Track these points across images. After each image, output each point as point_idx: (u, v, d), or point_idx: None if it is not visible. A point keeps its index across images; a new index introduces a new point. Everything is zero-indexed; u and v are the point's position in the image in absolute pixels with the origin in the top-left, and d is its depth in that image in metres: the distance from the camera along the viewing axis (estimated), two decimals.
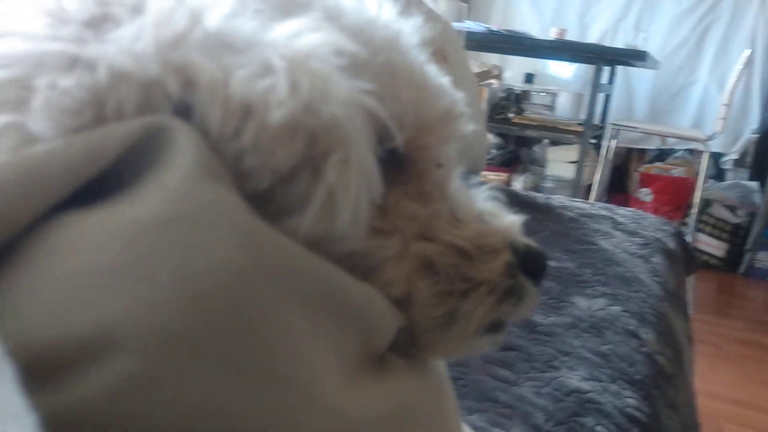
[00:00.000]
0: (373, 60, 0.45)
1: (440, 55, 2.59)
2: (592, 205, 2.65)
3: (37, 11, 0.36)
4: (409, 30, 0.51)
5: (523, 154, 5.81)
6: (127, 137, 0.34)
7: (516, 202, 2.35)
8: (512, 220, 0.54)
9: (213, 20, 0.38)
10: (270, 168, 0.38)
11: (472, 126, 0.56)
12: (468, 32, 4.59)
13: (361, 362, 0.39)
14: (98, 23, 0.36)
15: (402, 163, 0.50)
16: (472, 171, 2.89)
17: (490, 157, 5.40)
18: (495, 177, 5.22)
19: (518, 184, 5.28)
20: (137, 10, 0.37)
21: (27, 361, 0.26)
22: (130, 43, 0.36)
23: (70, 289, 0.29)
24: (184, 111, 0.37)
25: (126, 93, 0.36)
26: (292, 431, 0.31)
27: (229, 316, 0.31)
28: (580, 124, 4.73)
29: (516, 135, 5.33)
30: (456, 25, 4.65)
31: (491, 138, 5.43)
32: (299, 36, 0.40)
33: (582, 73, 5.73)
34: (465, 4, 5.20)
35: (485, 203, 0.55)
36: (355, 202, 0.41)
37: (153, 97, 0.36)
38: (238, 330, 0.31)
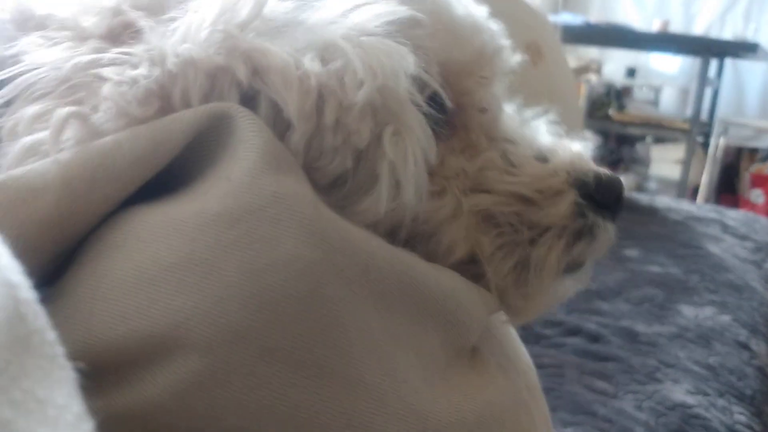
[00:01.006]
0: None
1: (534, 49, 2.52)
2: (700, 207, 2.53)
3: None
4: None
5: (624, 152, 5.61)
6: (193, 124, 0.33)
7: None
8: (577, 151, 0.51)
9: (270, 6, 0.38)
10: (352, 146, 0.37)
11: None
12: (564, 25, 4.48)
13: (447, 360, 0.37)
14: (118, 34, 0.36)
15: (443, 115, 0.47)
16: None
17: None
18: None
19: None
20: (155, 12, 0.37)
21: (90, 361, 0.25)
22: (194, 32, 0.36)
23: (135, 285, 0.28)
24: (251, 98, 0.37)
25: (192, 81, 0.35)
26: None
27: (298, 313, 0.29)
28: (685, 120, 4.53)
29: (617, 133, 5.16)
30: (551, 18, 4.55)
31: (590, 136, 5.28)
32: (350, 12, 0.39)
33: (687, 67, 5.49)
34: None
35: (545, 138, 0.52)
36: (416, 171, 0.40)
37: (220, 84, 0.36)
38: (309, 328, 0.29)
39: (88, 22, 0.36)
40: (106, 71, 0.34)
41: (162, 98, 0.35)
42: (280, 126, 0.36)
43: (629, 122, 4.76)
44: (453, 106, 0.47)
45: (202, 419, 0.27)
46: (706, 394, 1.10)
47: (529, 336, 1.26)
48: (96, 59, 0.34)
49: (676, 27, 5.27)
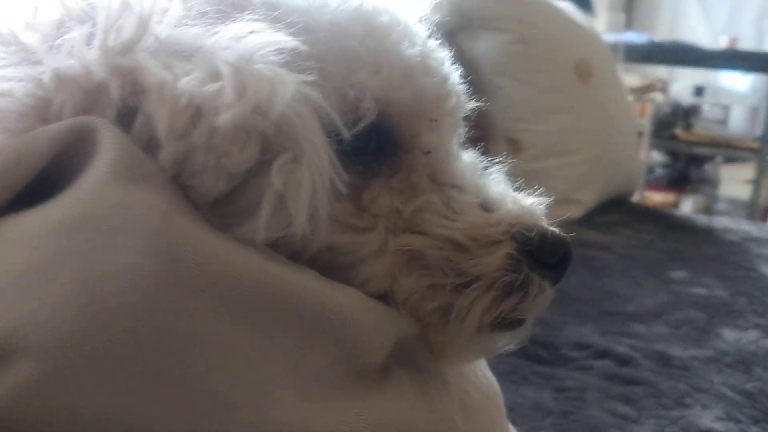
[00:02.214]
0: (317, 49, 0.44)
1: (584, 68, 2.49)
2: (761, 228, 2.42)
3: None
4: (391, 12, 0.48)
5: (692, 172, 5.44)
6: (57, 137, 0.34)
7: (669, 224, 2.20)
8: (529, 206, 0.50)
9: (162, 27, 0.39)
10: (224, 169, 0.37)
11: (471, 105, 0.52)
12: (628, 44, 4.40)
13: (341, 376, 0.37)
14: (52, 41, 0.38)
15: (384, 154, 0.47)
16: (625, 192, 2.74)
17: (655, 176, 5.11)
18: (661, 198, 4.93)
19: (687, 205, 4.95)
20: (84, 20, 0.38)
21: None
22: (78, 49, 0.37)
23: None
24: (130, 114, 0.37)
25: (68, 97, 0.36)
26: None
27: (133, 321, 0.30)
28: (756, 140, 4.37)
29: (684, 152, 5.01)
30: (614, 36, 4.47)
31: (656, 156, 5.15)
32: (242, 38, 0.40)
33: (759, 85, 5.30)
34: (623, 15, 4.99)
35: (498, 188, 0.51)
36: (310, 202, 0.40)
37: (98, 101, 0.37)
38: (145, 336, 0.30)
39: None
40: None
41: (39, 113, 0.36)
42: (154, 142, 0.37)
43: (697, 142, 4.62)
44: (393, 145, 0.47)
45: (39, 424, 0.27)
46: (738, 421, 1.05)
47: (555, 358, 1.23)
48: None
49: (747, 44, 5.10)
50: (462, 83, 0.56)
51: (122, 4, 0.39)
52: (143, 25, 0.38)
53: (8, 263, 0.30)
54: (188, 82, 0.36)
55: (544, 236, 0.48)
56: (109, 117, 0.36)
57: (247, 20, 0.41)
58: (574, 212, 2.38)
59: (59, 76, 0.36)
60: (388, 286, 0.45)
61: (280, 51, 0.40)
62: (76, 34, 0.38)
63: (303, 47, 0.41)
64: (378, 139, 0.48)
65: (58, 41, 0.38)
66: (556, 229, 0.49)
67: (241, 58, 0.38)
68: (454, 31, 2.45)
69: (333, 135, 0.43)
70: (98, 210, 0.31)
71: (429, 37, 0.53)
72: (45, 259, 0.30)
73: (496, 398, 0.56)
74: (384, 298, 0.45)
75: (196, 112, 0.36)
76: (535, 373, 1.17)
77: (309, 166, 0.39)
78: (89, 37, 0.38)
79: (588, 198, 2.43)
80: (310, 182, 0.39)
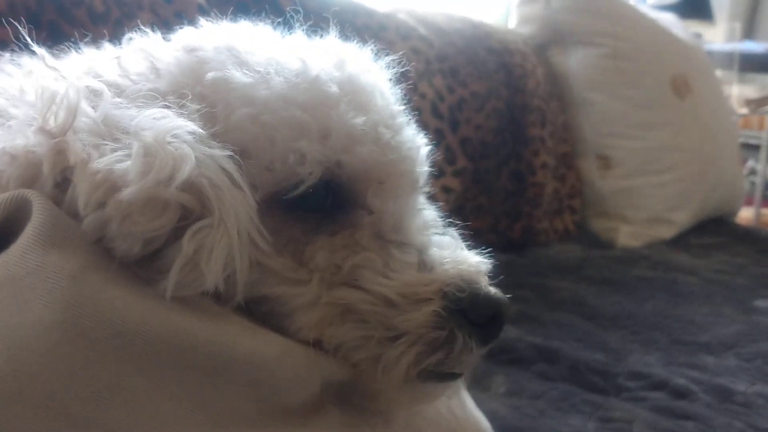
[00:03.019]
0: (258, 120, 0.48)
1: (681, 83, 2.41)
2: None
3: None
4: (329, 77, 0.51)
5: None
6: (1, 206, 0.40)
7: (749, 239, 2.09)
8: (470, 266, 0.52)
9: (90, 110, 0.44)
10: (137, 236, 0.41)
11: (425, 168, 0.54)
12: (744, 54, 4.19)
13: (259, 414, 0.41)
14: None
15: (333, 212, 0.51)
16: (726, 212, 2.63)
17: None
18: None
19: None
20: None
21: None
22: (23, 130, 0.43)
23: None
24: (65, 184, 0.43)
25: (14, 171, 0.43)
26: None
27: (41, 365, 0.34)
28: None
29: None
30: (731, 46, 4.28)
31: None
32: (159, 120, 0.44)
33: None
34: (740, 23, 4.75)
35: (442, 248, 0.53)
36: (224, 264, 0.43)
37: (38, 175, 0.43)
38: (50, 379, 0.34)
39: None
40: None
41: None
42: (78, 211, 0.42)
43: None
44: (341, 205, 0.51)
45: None
46: None
47: (610, 387, 1.22)
48: None
49: None
50: (424, 147, 0.59)
51: (52, 93, 0.44)
52: (72, 110, 0.43)
53: None
54: (105, 160, 0.41)
55: (475, 296, 0.50)
56: (47, 188, 0.42)
57: (160, 106, 0.46)
58: (666, 233, 2.31)
59: (7, 153, 0.43)
60: (318, 335, 0.48)
61: (191, 132, 0.44)
62: (21, 117, 0.44)
63: (217, 127, 0.46)
64: (333, 198, 0.51)
65: (9, 123, 0.44)
66: (491, 290, 0.51)
67: (155, 139, 0.42)
68: (545, 45, 2.43)
69: (282, 195, 0.48)
70: (19, 271, 0.37)
71: (390, 104, 0.56)
72: None
73: None
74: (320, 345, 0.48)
75: (111, 187, 0.41)
76: (585, 401, 1.16)
77: (225, 230, 0.43)
78: (31, 120, 0.44)
79: (681, 218, 2.36)
80: (226, 245, 0.43)
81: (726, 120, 2.65)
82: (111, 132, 0.43)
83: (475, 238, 2.23)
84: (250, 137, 0.48)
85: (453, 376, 0.52)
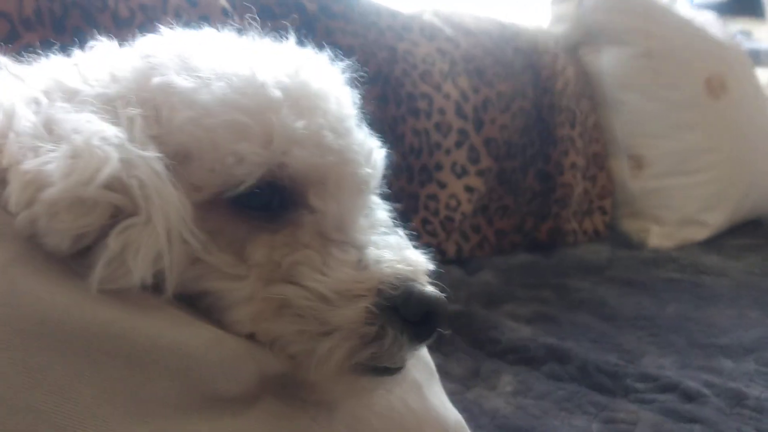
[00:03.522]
0: (174, 124, 0.51)
1: (717, 83, 2.36)
2: None
3: None
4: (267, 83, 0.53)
5: None
6: None
7: None
8: (412, 264, 0.53)
9: (31, 116, 0.46)
10: (63, 232, 0.44)
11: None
12: None
13: (185, 401, 0.43)
14: None
15: (277, 212, 0.53)
16: (764, 211, 2.57)
17: None
18: None
19: None
20: None
21: None
22: None
23: None
24: (4, 186, 0.45)
25: None
26: None
27: None
28: None
29: None
30: None
31: None
32: (89, 124, 0.46)
33: None
34: None
35: (385, 248, 0.54)
36: (152, 260, 0.46)
37: None
38: None
39: None
40: None
41: None
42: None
43: None
44: (285, 205, 0.53)
45: None
46: None
47: (618, 388, 1.21)
48: None
49: None
50: (376, 150, 0.60)
51: None
52: (8, 115, 0.46)
53: None
54: (35, 161, 0.44)
55: (409, 294, 0.51)
56: None
57: (93, 111, 0.48)
58: (699, 234, 2.28)
59: None
60: (254, 329, 0.50)
61: (119, 135, 0.46)
62: None
63: (161, 129, 0.49)
64: (279, 199, 0.53)
65: None
66: (426, 289, 0.52)
67: (83, 142, 0.45)
68: (577, 45, 2.42)
69: (228, 193, 0.50)
70: None
71: (340, 108, 0.58)
72: None
73: (421, 431, 0.58)
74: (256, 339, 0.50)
75: (38, 187, 0.43)
76: (591, 402, 1.16)
77: (153, 228, 0.45)
78: None
79: (715, 219, 2.31)
80: (153, 243, 0.45)
81: (764, 121, 2.58)
82: (50, 136, 0.46)
83: (500, 239, 2.23)
84: (192, 139, 0.51)
85: (388, 371, 0.53)
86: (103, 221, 0.45)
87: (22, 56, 0.58)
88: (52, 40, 1.26)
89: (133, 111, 0.49)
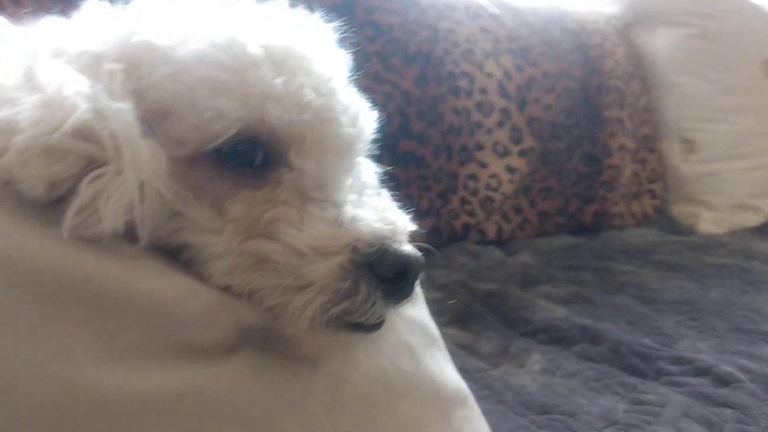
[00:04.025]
0: (152, 80, 0.52)
1: None
2: None
3: None
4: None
5: None
6: None
7: None
8: (392, 223, 0.53)
9: (4, 74, 0.48)
10: (35, 179, 0.45)
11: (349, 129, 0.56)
12: None
13: (158, 348, 0.44)
14: None
15: (255, 170, 0.54)
16: None
17: None
18: None
19: None
20: None
21: None
22: None
23: None
24: None
25: None
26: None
27: None
28: None
29: None
30: None
31: None
32: (64, 75, 0.47)
33: None
34: None
35: (365, 207, 0.54)
36: (124, 209, 0.46)
37: None
38: None
39: None
40: None
41: None
42: None
43: None
44: (266, 162, 0.54)
45: None
46: None
47: (650, 371, 1.19)
48: None
49: None
50: (364, 111, 0.60)
51: None
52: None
53: None
54: (8, 111, 0.45)
55: (384, 252, 0.51)
56: None
57: (63, 63, 0.49)
58: (752, 220, 2.21)
59: None
60: (229, 282, 0.51)
61: (92, 87, 0.47)
62: None
63: (140, 85, 0.50)
64: (263, 156, 0.54)
65: None
66: (403, 248, 0.52)
67: (54, 92, 0.46)
68: (629, 25, 2.36)
69: (208, 148, 0.51)
70: None
71: (326, 68, 0.57)
72: None
73: (409, 392, 0.58)
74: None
75: (10, 135, 0.44)
76: (621, 383, 1.14)
77: (124, 179, 0.46)
78: None
79: None
80: (123, 192, 0.46)
81: None
82: (29, 88, 0.47)
83: (543, 221, 2.21)
84: (170, 95, 0.51)
85: (363, 327, 0.53)
86: (77, 170, 0.46)
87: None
88: None
89: (113, 66, 0.51)
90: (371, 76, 1.74)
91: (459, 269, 1.69)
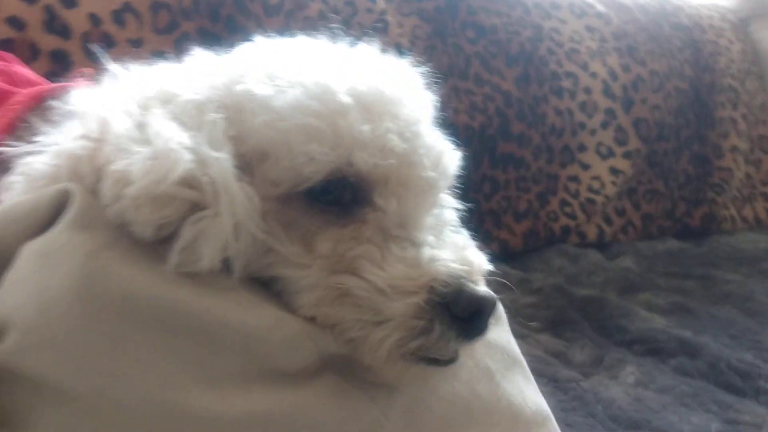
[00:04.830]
0: (253, 126, 0.56)
1: None
2: None
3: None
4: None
5: None
6: (51, 196, 0.50)
7: None
8: (466, 264, 0.54)
9: (126, 122, 0.52)
10: (146, 223, 0.49)
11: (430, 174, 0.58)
12: None
13: (251, 374, 0.49)
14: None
15: (343, 208, 0.57)
16: None
17: None
18: None
19: None
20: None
21: None
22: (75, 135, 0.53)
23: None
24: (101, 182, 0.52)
25: (65, 167, 0.52)
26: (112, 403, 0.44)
27: (59, 321, 0.45)
28: None
29: None
30: None
31: None
32: (170, 129, 0.51)
33: None
34: None
35: (444, 246, 0.56)
36: (221, 248, 0.51)
37: (81, 173, 0.52)
38: (68, 329, 0.45)
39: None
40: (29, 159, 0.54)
41: (52, 178, 0.52)
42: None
43: None
44: (354, 202, 0.57)
45: (21, 374, 0.45)
46: None
47: (749, 389, 1.15)
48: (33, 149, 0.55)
49: None
50: (447, 153, 0.62)
51: (91, 110, 0.54)
52: (103, 123, 0.52)
53: (13, 273, 0.47)
54: (123, 162, 0.49)
55: (459, 293, 0.53)
56: (89, 182, 0.51)
57: (165, 118, 0.54)
58: None
59: (63, 152, 0.52)
60: (315, 313, 0.54)
61: (194, 139, 0.51)
62: (76, 126, 0.54)
63: (242, 131, 0.55)
64: (352, 195, 0.57)
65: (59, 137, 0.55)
66: (478, 289, 0.53)
67: (163, 145, 0.50)
68: (746, 19, 2.26)
69: (300, 188, 0.54)
70: (52, 246, 0.47)
71: (412, 113, 0.60)
72: (24, 274, 0.47)
73: (486, 416, 0.60)
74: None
75: (125, 184, 0.49)
76: (716, 400, 1.11)
77: (221, 220, 0.50)
78: (80, 129, 0.54)
79: None
80: (221, 233, 0.50)
81: None
82: (140, 139, 0.52)
83: (647, 224, 2.16)
84: (268, 140, 0.55)
85: (438, 362, 0.55)
86: (181, 214, 0.50)
87: (181, 47, 0.65)
88: (207, 28, 1.39)
89: (216, 115, 0.55)
90: (471, 78, 1.75)
91: (556, 273, 1.68)
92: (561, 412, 1.10)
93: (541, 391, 1.13)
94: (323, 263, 0.55)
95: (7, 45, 1.21)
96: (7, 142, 0.56)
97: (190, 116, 0.55)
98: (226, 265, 0.52)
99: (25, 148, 0.55)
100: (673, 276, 1.71)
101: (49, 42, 1.24)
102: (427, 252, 0.55)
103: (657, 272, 1.73)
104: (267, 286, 0.56)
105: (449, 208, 0.68)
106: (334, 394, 0.51)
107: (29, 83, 0.73)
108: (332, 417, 0.50)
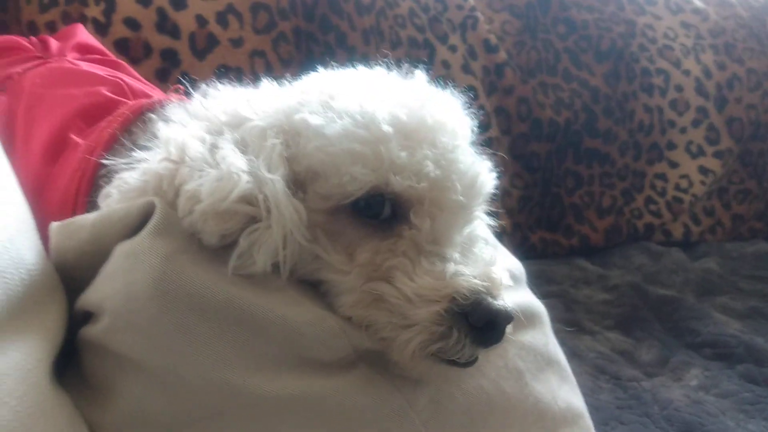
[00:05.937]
0: (307, 150, 0.64)
1: None
2: None
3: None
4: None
5: None
6: (139, 206, 0.59)
7: None
8: (487, 279, 0.60)
9: (200, 146, 0.61)
10: (212, 233, 0.58)
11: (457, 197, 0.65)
12: None
13: (291, 362, 0.58)
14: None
15: (384, 222, 0.65)
16: None
17: None
18: None
19: None
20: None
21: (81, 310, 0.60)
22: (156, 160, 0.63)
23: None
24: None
25: (151, 184, 0.62)
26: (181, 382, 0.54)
27: (142, 311, 0.55)
28: None
29: None
30: None
31: None
32: (233, 153, 0.61)
33: None
34: None
35: (469, 262, 0.62)
36: (271, 254, 0.60)
37: (164, 189, 0.61)
38: (145, 317, 0.55)
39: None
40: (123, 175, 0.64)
41: (141, 191, 0.62)
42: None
43: None
44: (392, 218, 0.65)
45: (113, 350, 0.56)
46: None
47: None
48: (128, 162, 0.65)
49: None
50: (483, 176, 0.68)
51: (170, 136, 0.64)
52: (180, 148, 0.62)
53: (107, 267, 0.58)
54: (194, 182, 0.58)
55: (477, 305, 0.59)
56: (169, 197, 0.60)
57: (232, 142, 0.62)
58: None
59: (150, 171, 0.62)
60: (351, 313, 0.62)
61: (253, 162, 0.60)
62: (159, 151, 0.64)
63: (297, 153, 0.65)
64: (392, 211, 0.64)
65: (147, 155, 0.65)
66: (495, 302, 0.60)
67: (227, 169, 0.59)
68: None
69: (344, 202, 0.62)
70: (136, 248, 0.57)
71: (449, 141, 0.66)
72: (116, 268, 0.57)
73: (509, 412, 0.66)
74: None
75: (195, 201, 0.58)
76: None
77: (272, 231, 0.58)
78: (155, 156, 0.64)
79: None
80: (272, 242, 0.58)
81: None
82: (211, 163, 0.61)
83: (737, 225, 2.14)
84: (319, 162, 0.63)
85: (457, 363, 0.62)
86: (241, 226, 0.60)
87: (278, 46, 0.73)
88: (302, 27, 1.48)
89: (275, 140, 0.63)
90: (560, 73, 1.78)
91: (635, 271, 1.69)
92: (616, 409, 1.15)
93: (600, 389, 1.18)
94: (361, 270, 0.63)
95: (123, 44, 1.35)
96: (108, 155, 0.67)
97: (253, 140, 0.65)
98: (276, 269, 0.61)
99: (121, 161, 0.65)
100: (757, 279, 1.69)
101: (160, 41, 1.36)
102: (452, 267, 0.62)
103: (740, 275, 1.71)
104: (316, 288, 0.64)
105: (483, 224, 0.74)
106: (364, 383, 0.60)
107: (133, 93, 0.84)
108: (359, 402, 0.59)
